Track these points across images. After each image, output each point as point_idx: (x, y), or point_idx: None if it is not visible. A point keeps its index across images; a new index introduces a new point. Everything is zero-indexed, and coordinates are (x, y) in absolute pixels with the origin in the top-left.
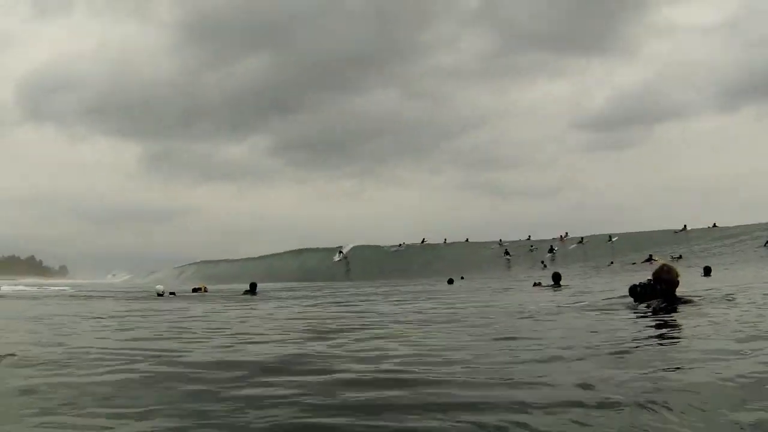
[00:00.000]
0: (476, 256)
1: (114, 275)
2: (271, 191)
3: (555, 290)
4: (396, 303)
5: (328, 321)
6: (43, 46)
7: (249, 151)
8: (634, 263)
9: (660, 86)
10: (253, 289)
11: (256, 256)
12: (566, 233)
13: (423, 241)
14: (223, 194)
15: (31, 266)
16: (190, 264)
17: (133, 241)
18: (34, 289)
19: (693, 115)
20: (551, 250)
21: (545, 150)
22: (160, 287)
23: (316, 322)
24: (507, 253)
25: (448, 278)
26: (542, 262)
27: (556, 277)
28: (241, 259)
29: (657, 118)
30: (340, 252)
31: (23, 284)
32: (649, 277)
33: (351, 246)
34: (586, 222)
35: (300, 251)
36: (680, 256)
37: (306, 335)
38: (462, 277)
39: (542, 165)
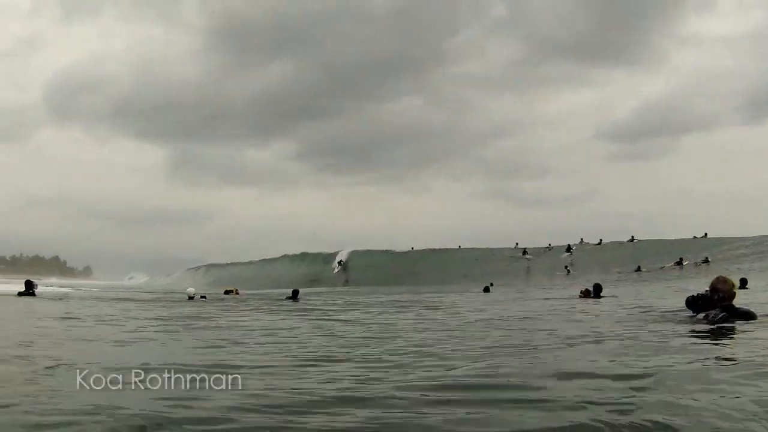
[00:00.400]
0: (492, 260)
1: (131, 278)
2: (294, 196)
3: (600, 302)
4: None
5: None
6: (70, 48)
7: (272, 156)
8: (662, 267)
9: (686, 97)
10: (294, 296)
11: (257, 259)
12: (581, 239)
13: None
14: (245, 198)
15: (56, 266)
16: (198, 267)
17: (154, 243)
18: (69, 290)
19: (718, 126)
20: (569, 249)
21: (569, 160)
22: (191, 290)
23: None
24: (525, 252)
25: (484, 286)
26: (566, 267)
27: (597, 289)
28: (246, 262)
29: (682, 129)
30: (340, 262)
31: (54, 285)
32: (707, 289)
33: (347, 252)
34: (609, 232)
35: (304, 255)
36: (707, 259)
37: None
38: (491, 284)
39: (566, 174)
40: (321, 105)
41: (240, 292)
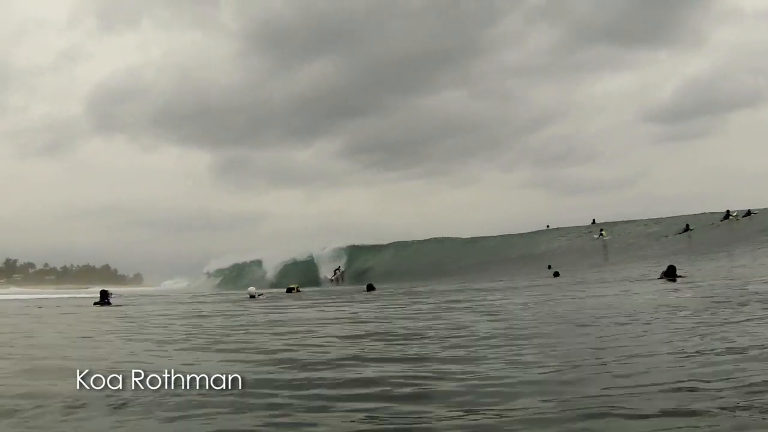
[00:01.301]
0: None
1: (175, 282)
2: (340, 194)
3: (681, 285)
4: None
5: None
6: (110, 59)
7: (317, 156)
8: (712, 224)
9: (729, 74)
10: (369, 289)
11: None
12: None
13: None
14: (293, 199)
15: (106, 275)
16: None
17: (204, 247)
18: (139, 297)
19: (764, 103)
20: (594, 222)
21: (615, 144)
22: (252, 289)
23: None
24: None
25: (554, 272)
26: (600, 231)
27: (671, 271)
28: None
29: (728, 107)
30: (337, 270)
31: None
32: None
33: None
34: (659, 214)
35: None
36: (749, 212)
37: None
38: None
39: (613, 159)
40: (363, 102)
41: (300, 289)
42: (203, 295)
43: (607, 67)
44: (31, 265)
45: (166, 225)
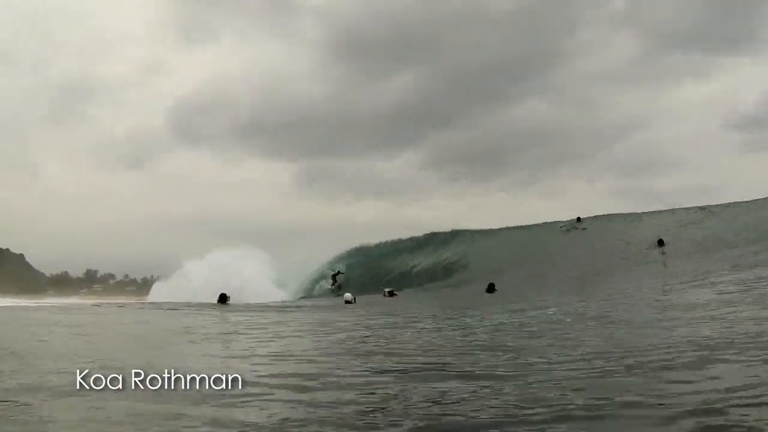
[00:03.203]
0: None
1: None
2: (427, 205)
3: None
4: None
5: None
6: (192, 72)
7: (402, 166)
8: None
9: None
10: (491, 290)
11: None
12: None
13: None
14: (378, 209)
15: None
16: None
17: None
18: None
19: None
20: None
21: (699, 152)
22: (348, 295)
23: None
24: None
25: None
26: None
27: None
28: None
29: None
30: (336, 275)
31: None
32: None
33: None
34: None
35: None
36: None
37: None
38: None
39: (697, 168)
40: (446, 112)
41: (396, 292)
42: (295, 304)
43: (690, 74)
44: (111, 276)
45: (251, 237)
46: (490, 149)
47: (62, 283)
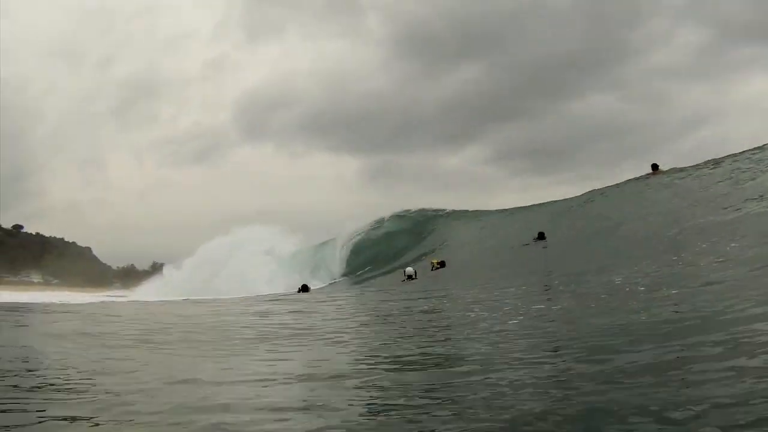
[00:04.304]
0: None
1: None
2: (492, 200)
3: None
4: None
5: None
6: (257, 68)
7: (466, 161)
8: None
9: None
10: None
11: None
12: None
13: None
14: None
15: None
16: None
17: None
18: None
19: None
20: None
21: None
22: (410, 269)
23: None
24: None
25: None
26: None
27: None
28: None
29: None
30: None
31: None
32: None
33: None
34: None
35: None
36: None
37: None
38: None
39: None
40: (511, 106)
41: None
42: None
43: (758, 67)
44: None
45: (318, 229)
46: (554, 144)
47: (129, 275)
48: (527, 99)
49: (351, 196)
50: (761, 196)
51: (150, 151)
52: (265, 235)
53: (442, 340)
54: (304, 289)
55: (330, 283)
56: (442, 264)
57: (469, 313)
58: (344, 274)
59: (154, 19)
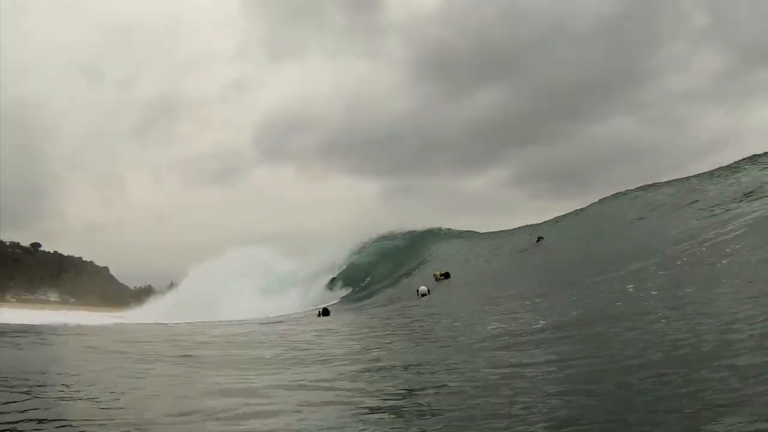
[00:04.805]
0: None
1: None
2: (510, 223)
3: None
4: None
5: None
6: (277, 89)
7: (488, 184)
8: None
9: None
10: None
11: None
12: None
13: None
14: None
15: None
16: None
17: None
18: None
19: None
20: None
21: None
22: (424, 288)
23: None
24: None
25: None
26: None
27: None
28: None
29: None
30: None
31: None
32: None
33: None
34: None
35: None
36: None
37: None
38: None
39: None
40: (532, 130)
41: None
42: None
43: None
44: None
45: (314, 250)
46: (574, 167)
47: (147, 295)
48: (547, 122)
49: (370, 218)
50: None
51: (169, 171)
52: (258, 256)
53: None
54: (325, 312)
55: (333, 303)
56: (446, 275)
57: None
58: (345, 294)
59: (175, 39)
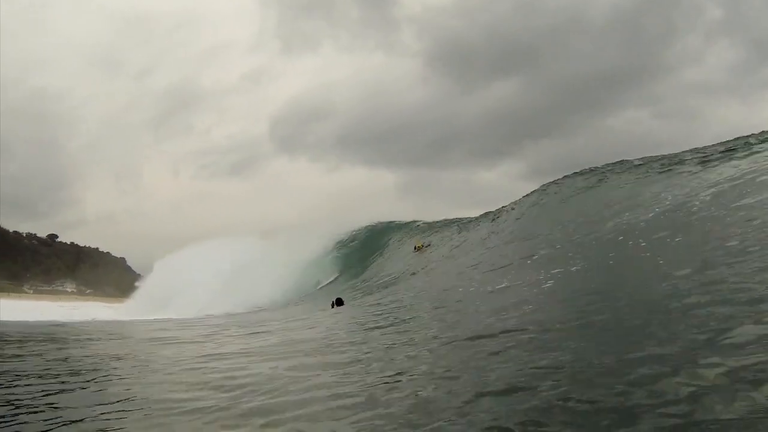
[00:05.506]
0: None
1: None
2: None
3: None
4: None
5: None
6: (294, 81)
7: (502, 176)
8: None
9: None
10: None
11: None
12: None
13: None
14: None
15: None
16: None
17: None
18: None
19: None
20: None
21: None
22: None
23: None
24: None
25: None
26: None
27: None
28: None
29: None
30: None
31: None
32: None
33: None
34: None
35: None
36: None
37: None
38: None
39: None
40: (547, 122)
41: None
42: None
43: None
44: None
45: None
46: (588, 159)
47: None
48: (562, 114)
49: (385, 210)
50: None
51: (186, 162)
52: (225, 248)
53: None
54: (339, 302)
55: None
56: (425, 246)
57: None
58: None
59: (192, 30)
